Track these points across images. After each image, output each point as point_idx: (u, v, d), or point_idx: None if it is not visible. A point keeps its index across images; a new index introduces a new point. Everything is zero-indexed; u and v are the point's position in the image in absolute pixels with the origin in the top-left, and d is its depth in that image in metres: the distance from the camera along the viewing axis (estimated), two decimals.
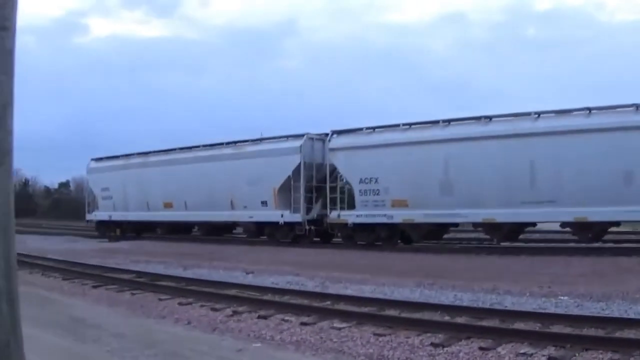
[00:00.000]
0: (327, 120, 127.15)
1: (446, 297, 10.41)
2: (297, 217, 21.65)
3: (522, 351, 6.51)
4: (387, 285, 12.09)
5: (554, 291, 10.48)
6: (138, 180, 27.81)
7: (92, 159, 31.79)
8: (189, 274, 14.80)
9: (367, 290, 11.56)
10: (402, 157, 19.50)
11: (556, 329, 7.49)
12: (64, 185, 70.66)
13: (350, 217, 20.61)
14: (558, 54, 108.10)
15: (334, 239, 22.22)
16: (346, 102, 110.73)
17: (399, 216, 19.55)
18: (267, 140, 23.66)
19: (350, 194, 20.92)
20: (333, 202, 21.21)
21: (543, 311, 8.66)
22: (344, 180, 21.17)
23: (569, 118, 17.48)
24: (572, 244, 17.83)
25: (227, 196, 23.66)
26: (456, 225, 20.53)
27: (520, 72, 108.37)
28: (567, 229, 18.29)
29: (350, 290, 11.54)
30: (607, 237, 17.76)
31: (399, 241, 20.43)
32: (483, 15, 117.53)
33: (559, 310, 8.84)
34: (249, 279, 13.64)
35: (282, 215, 22.05)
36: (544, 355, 6.33)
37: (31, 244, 24.95)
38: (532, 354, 6.39)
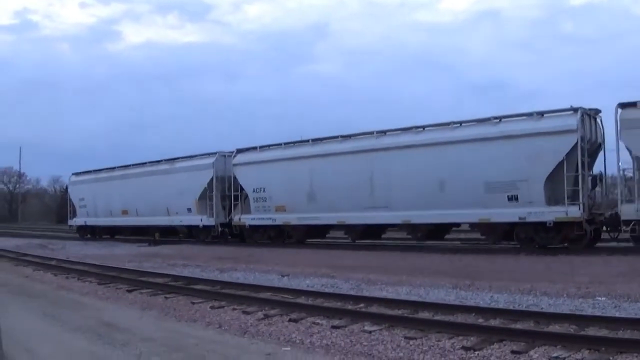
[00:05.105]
0: (358, 124, 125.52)
1: (482, 299, 10.18)
2: (212, 221, 26.34)
3: (555, 355, 6.39)
4: (423, 286, 11.85)
5: (591, 292, 10.28)
6: (105, 191, 33.22)
7: (73, 174, 37.65)
8: (224, 277, 14.69)
9: (402, 292, 11.30)
10: (282, 170, 23.93)
11: (591, 331, 7.30)
12: None
13: (247, 220, 25.12)
14: (596, 49, 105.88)
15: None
16: (383, 104, 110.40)
17: (280, 219, 23.90)
18: (191, 158, 28.41)
19: (248, 201, 25.20)
20: (236, 208, 25.62)
21: (579, 313, 8.48)
22: (244, 190, 25.53)
23: (406, 135, 21.04)
24: (613, 244, 17.67)
25: (165, 204, 28.45)
26: (331, 227, 24.00)
27: (560, 69, 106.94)
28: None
29: (386, 293, 11.38)
30: None
31: (285, 240, 24.57)
32: (518, 12, 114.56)
33: (596, 312, 8.66)
34: (284, 282, 13.58)
35: (201, 220, 26.72)
36: (576, 359, 6.27)
37: (70, 249, 27.11)
38: (565, 358, 6.30)
